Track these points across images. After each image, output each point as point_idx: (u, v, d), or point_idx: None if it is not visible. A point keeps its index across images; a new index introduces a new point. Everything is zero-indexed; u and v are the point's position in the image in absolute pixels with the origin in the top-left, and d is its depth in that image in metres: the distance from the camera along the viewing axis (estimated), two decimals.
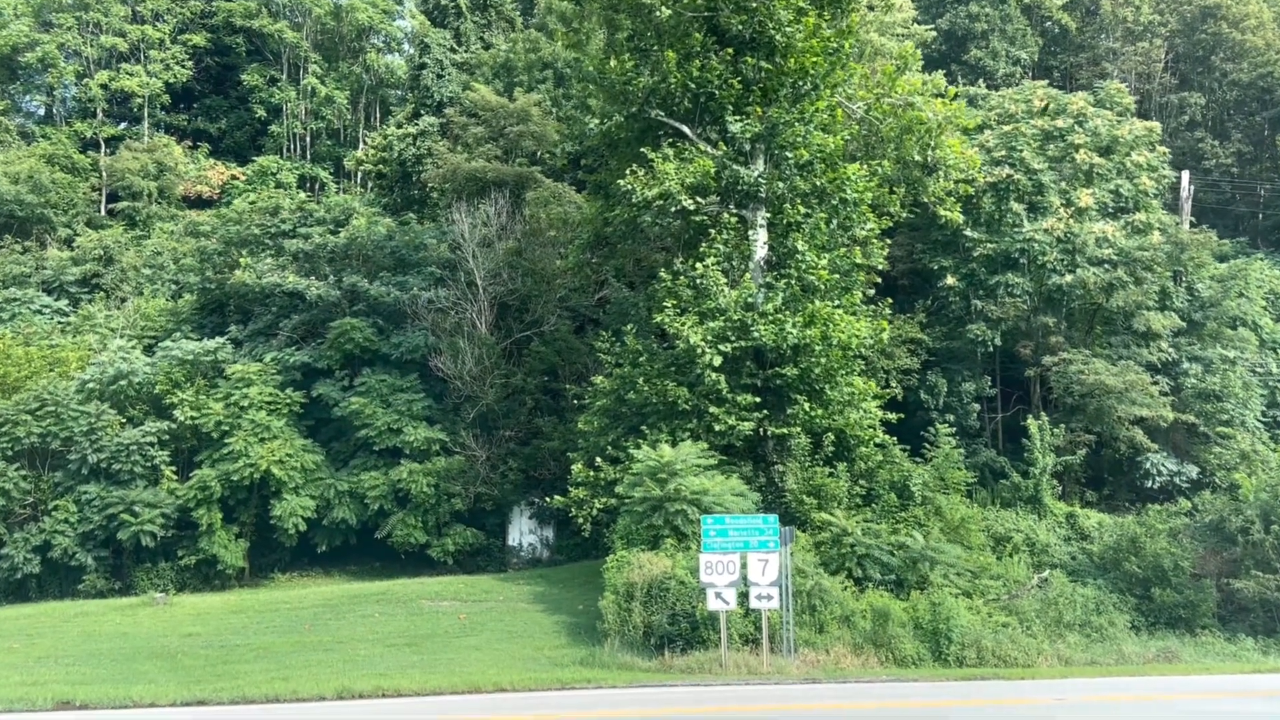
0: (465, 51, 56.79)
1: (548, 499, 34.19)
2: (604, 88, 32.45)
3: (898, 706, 17.82)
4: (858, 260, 30.50)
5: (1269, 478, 31.39)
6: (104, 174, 57.27)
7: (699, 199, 29.23)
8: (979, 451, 35.25)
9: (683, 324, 28.07)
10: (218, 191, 59.28)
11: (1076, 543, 31.56)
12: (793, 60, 29.26)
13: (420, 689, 19.87)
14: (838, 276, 29.99)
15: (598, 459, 29.88)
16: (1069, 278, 34.97)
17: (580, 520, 29.93)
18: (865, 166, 30.91)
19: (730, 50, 29.85)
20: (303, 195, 53.18)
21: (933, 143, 31.87)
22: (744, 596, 22.63)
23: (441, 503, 36.49)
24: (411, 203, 52.61)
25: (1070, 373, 34.03)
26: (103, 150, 59.17)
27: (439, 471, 36.59)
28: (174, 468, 35.77)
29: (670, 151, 29.58)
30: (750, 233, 30.30)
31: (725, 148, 29.45)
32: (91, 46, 59.74)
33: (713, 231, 29.58)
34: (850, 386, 29.40)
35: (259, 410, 36.33)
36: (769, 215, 30.29)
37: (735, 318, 28.02)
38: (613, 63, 30.54)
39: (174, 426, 35.85)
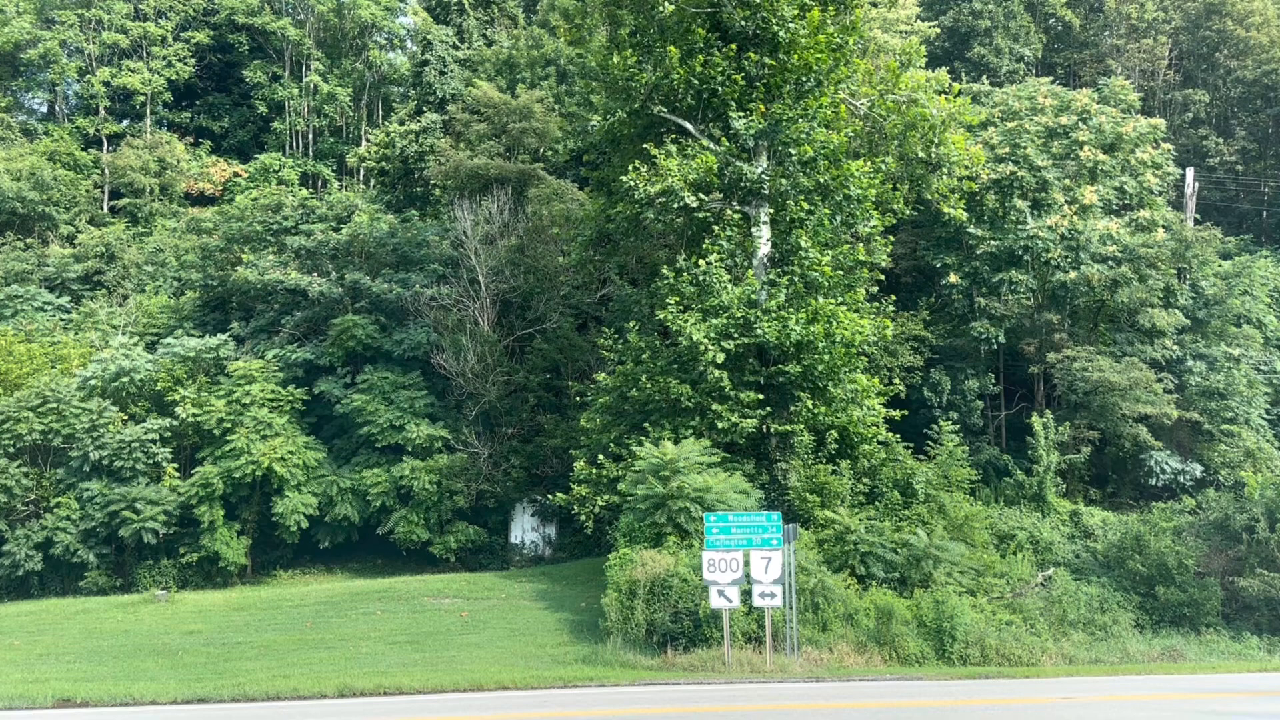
0: (468, 48, 56.73)
1: (550, 496, 34.18)
2: (606, 84, 32.40)
3: (902, 706, 17.73)
4: (861, 257, 30.44)
5: (1274, 476, 31.36)
6: (106, 171, 57.23)
7: (702, 195, 29.17)
8: (982, 449, 35.18)
9: (685, 321, 28.01)
10: (220, 189, 59.22)
11: (1080, 541, 31.50)
12: (796, 56, 29.18)
13: (422, 687, 19.82)
14: (841, 273, 29.92)
15: (600, 456, 29.82)
16: (1073, 275, 34.88)
17: (583, 518, 29.90)
18: (869, 163, 30.83)
19: (733, 46, 29.79)
20: (305, 192, 53.16)
21: (936, 139, 31.79)
22: (747, 594, 22.55)
23: (443, 500, 36.46)
24: (414, 200, 52.59)
25: (1074, 370, 33.96)
26: (105, 147, 59.13)
27: (441, 469, 36.55)
28: (176, 465, 35.76)
29: (673, 148, 29.52)
30: (753, 229, 30.24)
31: (728, 144, 29.37)
32: (93, 43, 59.67)
33: (716, 228, 29.51)
34: (853, 384, 29.34)
35: (261, 407, 36.32)
36: (772, 212, 30.22)
37: (738, 315, 27.96)
38: (615, 59, 30.47)
39: (176, 424, 35.83)
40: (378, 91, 66.60)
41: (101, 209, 56.54)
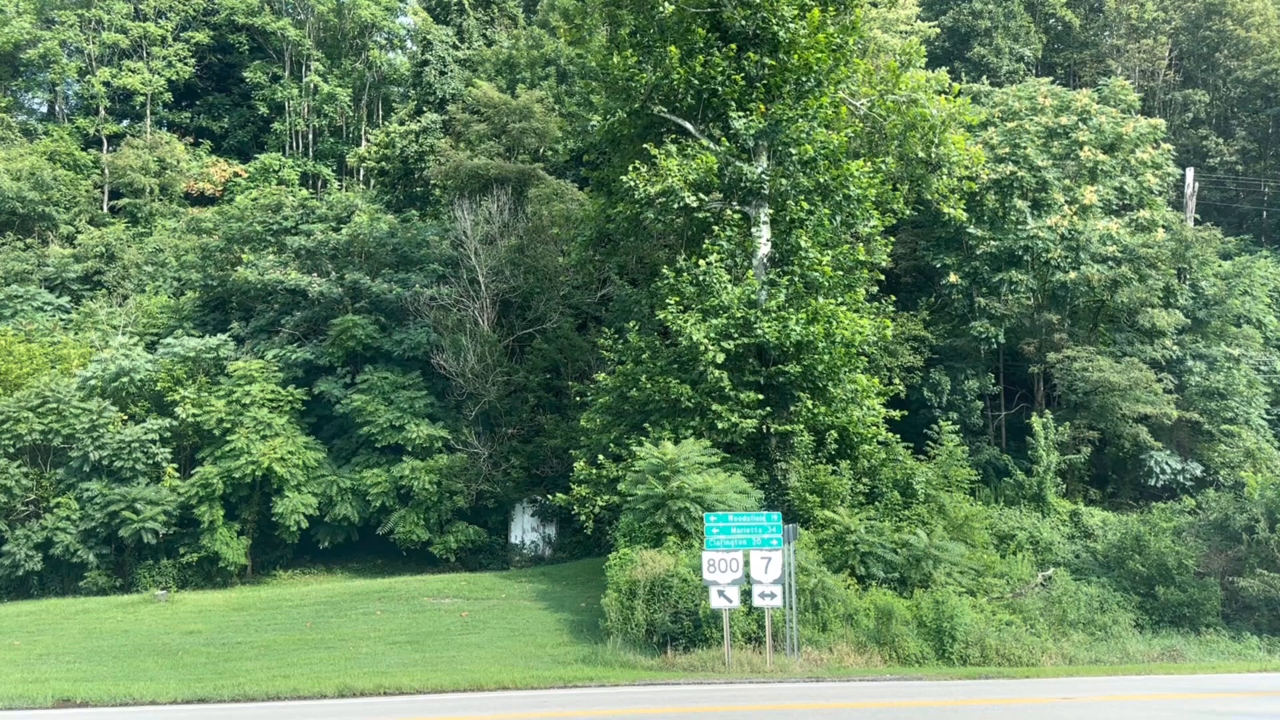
0: (468, 48, 56.74)
1: (550, 496, 34.18)
2: (606, 84, 32.39)
3: (902, 706, 17.73)
4: (861, 257, 30.44)
5: (1274, 476, 31.34)
6: (106, 171, 57.24)
7: (702, 196, 29.16)
8: (982, 449, 35.17)
9: (685, 321, 28.00)
10: (220, 189, 59.24)
11: (1080, 541, 31.49)
12: (796, 56, 29.18)
13: (422, 687, 19.82)
14: (841, 273, 29.93)
15: (600, 456, 29.82)
16: (1073, 275, 34.88)
17: (583, 518, 29.90)
18: (869, 163, 30.82)
19: (733, 46, 29.79)
20: (305, 192, 53.16)
21: (936, 139, 31.77)
22: (747, 594, 22.55)
23: (443, 500, 36.46)
24: (414, 200, 52.59)
25: (1074, 370, 33.95)
26: (105, 147, 59.14)
27: (441, 469, 36.55)
28: (176, 465, 35.76)
29: (673, 148, 29.51)
30: (753, 229, 30.24)
31: (728, 144, 29.36)
32: (93, 43, 59.69)
33: (716, 228, 29.51)
34: (853, 384, 29.34)
35: (261, 407, 36.32)
36: (772, 212, 30.22)
37: (738, 315, 27.95)
38: (615, 59, 30.47)
39: (176, 424, 35.83)
40: (378, 91, 66.60)
41: (101, 209, 56.55)
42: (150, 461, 35.19)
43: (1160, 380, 34.15)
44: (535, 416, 39.02)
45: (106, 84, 58.88)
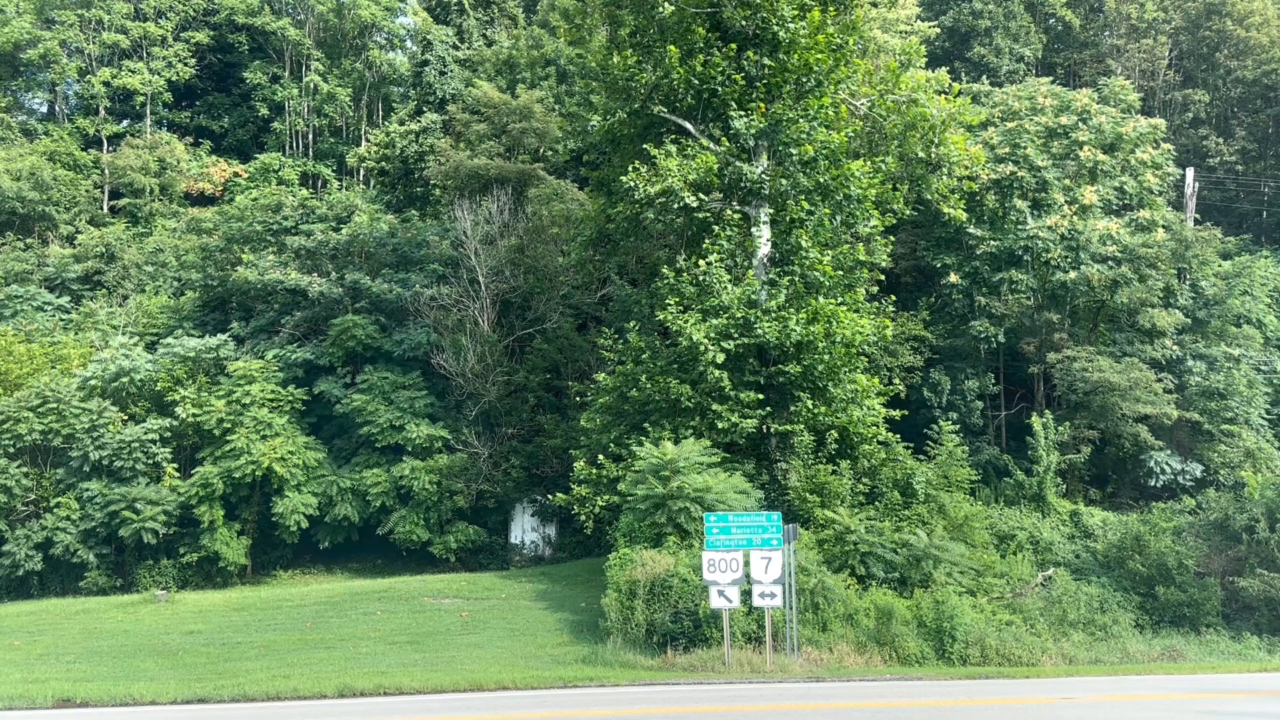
0: (468, 48, 56.75)
1: (550, 496, 34.19)
2: (606, 84, 32.39)
3: (902, 706, 17.72)
4: (861, 257, 30.45)
5: (1274, 476, 31.36)
6: (106, 171, 57.26)
7: (702, 196, 29.17)
8: (982, 449, 35.17)
9: (685, 321, 28.01)
10: (220, 189, 59.28)
11: (1080, 541, 31.48)
12: (796, 56, 29.18)
13: (422, 687, 19.80)
14: (841, 273, 29.94)
15: (600, 456, 29.82)
16: (1073, 275, 34.88)
17: (583, 518, 29.90)
18: (869, 163, 30.83)
19: (733, 46, 29.81)
20: (305, 192, 53.19)
21: (936, 139, 31.78)
22: (747, 594, 22.54)
23: (443, 500, 36.47)
24: (414, 200, 52.61)
25: (1074, 370, 33.96)
26: (105, 147, 59.17)
27: (441, 469, 36.56)
28: (176, 465, 35.77)
29: (673, 148, 29.50)
30: (753, 229, 30.24)
31: (728, 144, 29.36)
32: (93, 43, 59.71)
33: (716, 228, 29.51)
34: (853, 384, 29.34)
35: (261, 407, 36.33)
36: (772, 212, 30.22)
37: (738, 315, 27.96)
38: (615, 59, 30.47)
39: (176, 424, 35.83)
40: (378, 91, 66.61)
41: (101, 209, 56.57)
42: (150, 461, 35.20)
43: (1160, 380, 34.15)
44: (535, 416, 39.02)
45: (106, 84, 58.89)
